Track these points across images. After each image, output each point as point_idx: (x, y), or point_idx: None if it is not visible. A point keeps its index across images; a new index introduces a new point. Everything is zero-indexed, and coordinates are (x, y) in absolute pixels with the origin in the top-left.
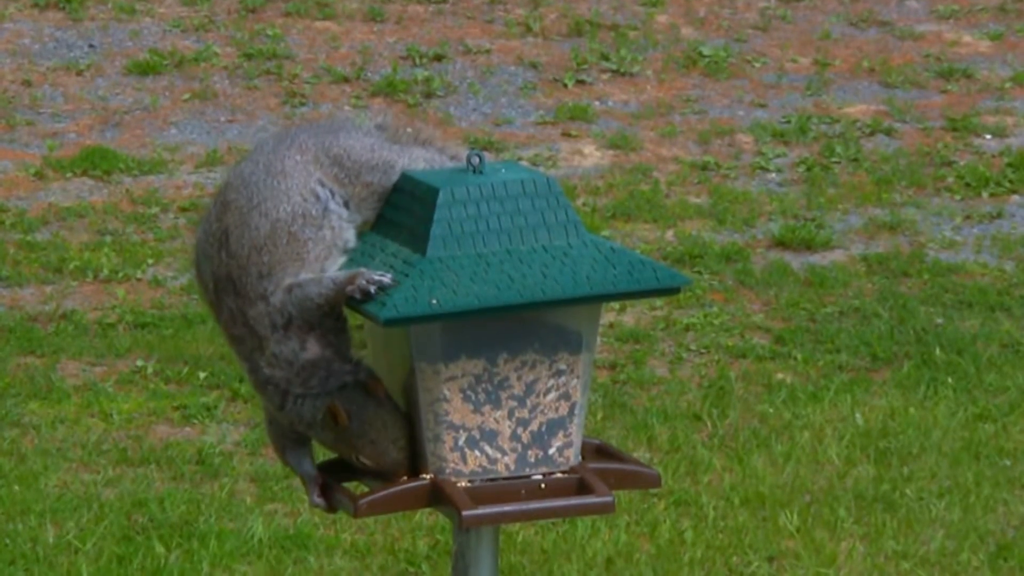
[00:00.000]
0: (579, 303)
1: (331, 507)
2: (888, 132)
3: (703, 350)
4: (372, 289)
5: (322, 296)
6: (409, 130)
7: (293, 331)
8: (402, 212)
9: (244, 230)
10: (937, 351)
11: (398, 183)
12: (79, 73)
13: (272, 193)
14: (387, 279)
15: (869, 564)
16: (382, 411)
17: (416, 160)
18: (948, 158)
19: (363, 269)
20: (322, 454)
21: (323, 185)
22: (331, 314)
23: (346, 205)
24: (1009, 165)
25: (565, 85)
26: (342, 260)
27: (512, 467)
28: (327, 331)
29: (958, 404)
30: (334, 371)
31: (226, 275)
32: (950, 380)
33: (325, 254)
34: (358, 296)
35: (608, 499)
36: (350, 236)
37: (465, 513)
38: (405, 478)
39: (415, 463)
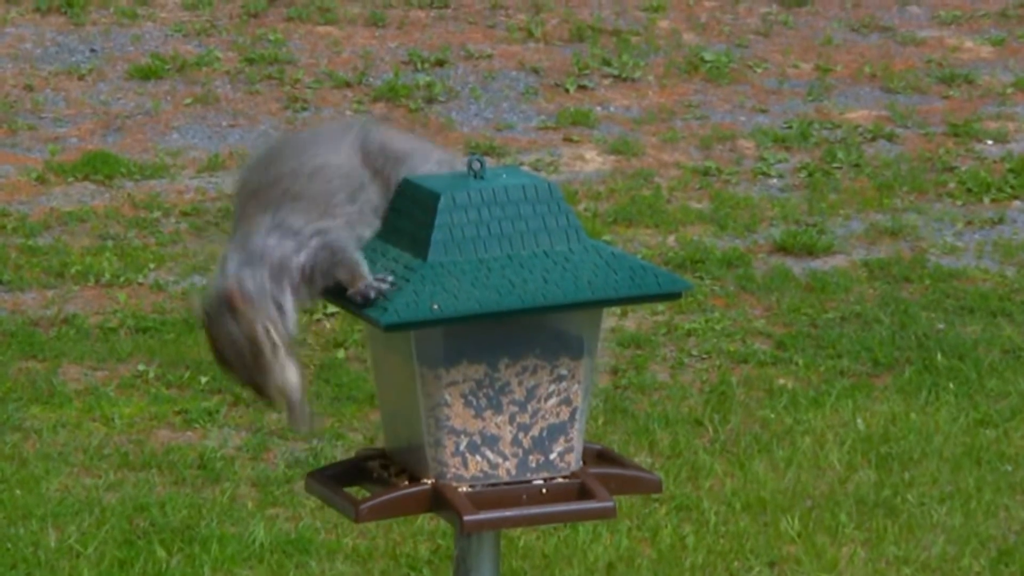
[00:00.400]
0: (580, 308)
1: (315, 424)
2: (890, 137)
3: (704, 355)
4: (372, 294)
5: (343, 258)
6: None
7: (280, 235)
8: (403, 217)
9: (293, 157)
10: (938, 356)
11: (399, 188)
12: (81, 78)
13: (332, 143)
14: (386, 284)
15: (870, 569)
16: (231, 329)
17: (429, 158)
18: (950, 163)
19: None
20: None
21: (365, 165)
22: (322, 271)
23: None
24: (1011, 171)
25: (567, 90)
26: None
27: (513, 472)
28: (306, 273)
29: (959, 409)
30: (261, 284)
31: (256, 187)
32: (951, 385)
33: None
34: (359, 299)
35: (609, 504)
36: (367, 233)
37: (466, 518)
38: (407, 483)
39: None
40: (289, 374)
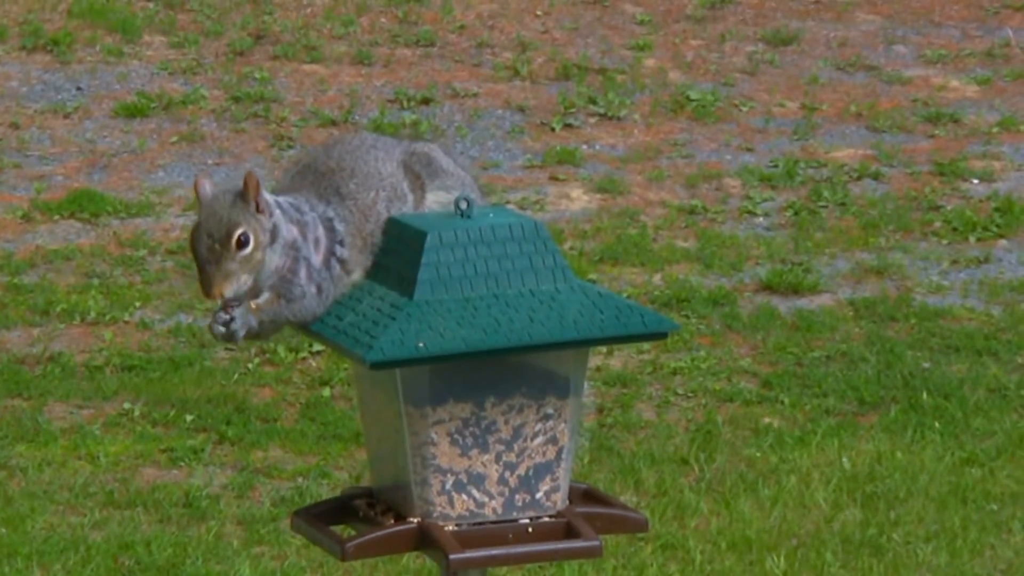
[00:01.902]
0: (566, 347)
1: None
2: (876, 176)
3: (690, 394)
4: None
5: (308, 275)
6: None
7: (313, 202)
8: (390, 256)
9: (353, 154)
10: (924, 395)
11: (386, 227)
12: (67, 116)
13: (389, 153)
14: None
15: None
16: (218, 208)
17: (464, 184)
18: (935, 202)
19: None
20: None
21: (406, 174)
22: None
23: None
24: (996, 210)
25: (553, 129)
26: (367, 257)
27: (499, 511)
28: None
29: (945, 448)
30: (284, 222)
31: (313, 163)
32: (937, 424)
33: (372, 230)
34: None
35: (595, 543)
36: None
37: (453, 557)
38: (393, 521)
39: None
40: (230, 283)
